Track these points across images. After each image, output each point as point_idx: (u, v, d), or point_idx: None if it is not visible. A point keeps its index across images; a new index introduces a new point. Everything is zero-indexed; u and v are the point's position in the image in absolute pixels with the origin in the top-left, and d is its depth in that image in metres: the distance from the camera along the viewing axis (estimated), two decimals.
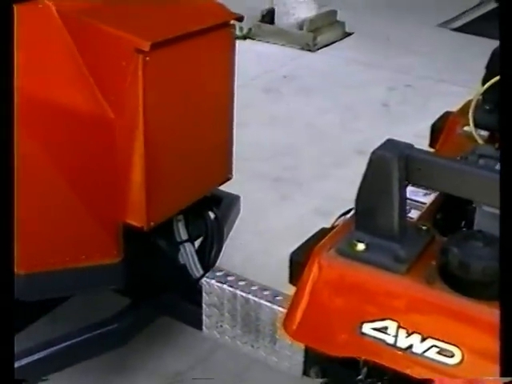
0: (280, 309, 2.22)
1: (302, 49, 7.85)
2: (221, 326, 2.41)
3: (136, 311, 3.31)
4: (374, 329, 1.85)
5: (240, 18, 3.12)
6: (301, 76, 7.19)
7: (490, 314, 1.70)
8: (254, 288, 2.33)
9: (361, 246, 1.90)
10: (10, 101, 1.78)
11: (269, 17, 8.14)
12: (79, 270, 3.00)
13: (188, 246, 3.30)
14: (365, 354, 1.91)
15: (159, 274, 3.31)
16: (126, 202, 2.94)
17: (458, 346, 1.74)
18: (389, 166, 1.84)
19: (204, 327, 2.44)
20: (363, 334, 1.85)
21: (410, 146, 1.91)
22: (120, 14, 2.98)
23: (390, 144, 1.91)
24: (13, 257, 2.12)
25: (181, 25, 2.95)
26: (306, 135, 5.89)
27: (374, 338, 1.84)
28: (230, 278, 2.39)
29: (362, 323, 1.86)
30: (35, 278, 2.93)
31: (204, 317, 2.42)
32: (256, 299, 2.30)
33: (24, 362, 2.97)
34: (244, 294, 2.31)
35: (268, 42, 7.93)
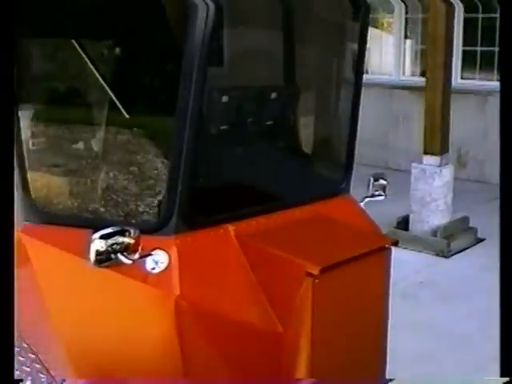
0: None
1: (437, 255, 8.09)
2: None
3: None
4: None
5: (395, 243, 3.45)
6: (437, 282, 7.39)
7: None
8: None
9: None
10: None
11: (404, 223, 8.49)
12: None
13: None
14: None
15: None
16: None
17: None
18: None
19: None
20: None
21: None
22: (289, 237, 3.37)
23: None
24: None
25: (344, 250, 3.30)
26: (446, 341, 6.00)
27: None
28: None
29: None
30: None
31: None
32: None
33: None
34: None
35: (403, 248, 8.21)
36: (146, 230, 3.10)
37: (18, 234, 3.49)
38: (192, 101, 2.99)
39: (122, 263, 2.92)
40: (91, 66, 4.21)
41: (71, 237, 3.19)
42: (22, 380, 3.26)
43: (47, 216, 3.45)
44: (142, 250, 2.98)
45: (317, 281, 3.04)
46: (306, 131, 3.96)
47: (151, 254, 3.06)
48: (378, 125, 11.98)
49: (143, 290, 3.11)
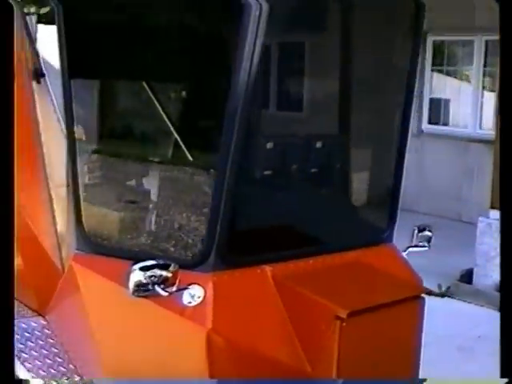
0: None
1: (499, 310, 7.96)
2: None
3: None
4: None
5: (428, 293, 3.50)
6: (495, 338, 7.27)
7: None
8: None
9: None
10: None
11: (467, 277, 8.41)
12: None
13: None
14: None
15: None
16: None
17: None
18: None
19: None
20: None
21: None
22: (324, 281, 3.47)
23: None
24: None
25: (376, 296, 3.38)
26: None
27: None
28: None
29: None
30: None
31: None
32: None
33: None
34: None
35: (465, 301, 8.13)
36: (186, 265, 3.25)
37: (69, 261, 3.71)
38: (234, 142, 3.11)
39: (159, 295, 3.07)
40: (158, 107, 4.41)
41: (116, 267, 3.37)
42: (22, 380, 3.44)
43: (96, 246, 3.64)
44: (179, 283, 3.13)
45: (344, 324, 3.12)
46: (350, 179, 4.05)
47: (187, 288, 3.21)
48: (452, 177, 11.92)
49: (178, 321, 3.26)
